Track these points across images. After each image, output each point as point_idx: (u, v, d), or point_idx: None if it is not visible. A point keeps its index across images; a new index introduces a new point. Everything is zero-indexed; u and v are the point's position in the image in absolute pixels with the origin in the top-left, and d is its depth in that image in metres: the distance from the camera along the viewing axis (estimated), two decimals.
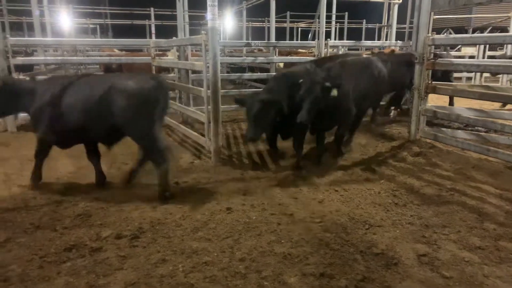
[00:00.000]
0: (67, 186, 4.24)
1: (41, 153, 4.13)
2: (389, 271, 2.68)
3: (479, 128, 6.02)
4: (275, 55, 9.50)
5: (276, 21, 11.51)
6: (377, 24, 18.75)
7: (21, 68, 7.16)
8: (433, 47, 5.59)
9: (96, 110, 3.74)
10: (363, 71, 5.23)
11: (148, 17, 18.80)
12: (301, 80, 4.28)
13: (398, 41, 10.34)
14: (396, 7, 10.57)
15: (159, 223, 3.36)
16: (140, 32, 19.80)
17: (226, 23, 18.09)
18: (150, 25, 18.80)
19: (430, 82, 5.49)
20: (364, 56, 7.22)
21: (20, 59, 6.99)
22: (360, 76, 5.07)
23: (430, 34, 5.49)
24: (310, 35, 18.68)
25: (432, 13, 5.77)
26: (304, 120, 4.09)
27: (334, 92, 4.17)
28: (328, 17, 13.84)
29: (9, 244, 3.01)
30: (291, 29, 20.82)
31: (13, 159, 5.07)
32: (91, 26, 20.10)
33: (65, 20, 15.72)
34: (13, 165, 4.87)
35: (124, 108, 3.70)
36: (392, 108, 7.98)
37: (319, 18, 8.22)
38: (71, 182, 4.37)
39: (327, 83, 4.16)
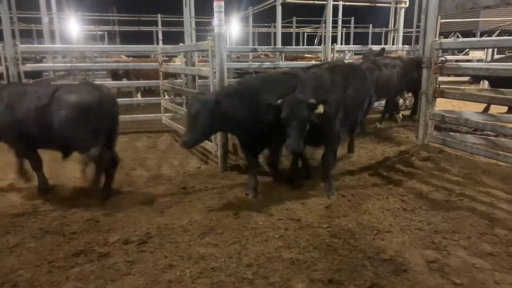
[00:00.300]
0: (74, 192, 4.27)
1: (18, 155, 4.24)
2: (398, 277, 2.65)
3: (489, 132, 5.95)
4: (281, 60, 9.51)
5: (282, 27, 11.55)
6: (384, 29, 18.72)
7: (30, 74, 7.27)
8: (440, 51, 5.56)
9: (40, 120, 3.73)
10: (352, 78, 4.55)
11: (155, 23, 18.98)
12: (280, 100, 3.66)
13: (405, 45, 10.30)
14: (402, 11, 10.55)
15: (166, 228, 3.37)
16: (147, 38, 20.02)
17: (232, 28, 18.19)
18: (157, 31, 18.98)
19: (437, 86, 5.45)
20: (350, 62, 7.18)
21: (30, 66, 7.08)
22: (349, 84, 4.40)
23: (437, 38, 5.46)
24: (316, 40, 18.67)
25: (439, 16, 5.73)
26: (296, 149, 3.54)
27: (320, 109, 3.62)
28: (334, 22, 13.82)
29: (19, 249, 3.04)
30: (297, 34, 20.86)
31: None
32: (99, 32, 20.36)
33: (74, 27, 15.95)
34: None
35: (64, 120, 3.65)
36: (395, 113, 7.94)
37: (325, 23, 8.21)
38: (79, 187, 4.40)
39: (312, 99, 3.58)
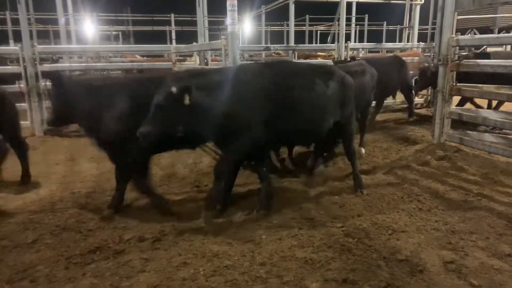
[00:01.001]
0: (90, 189, 4.34)
1: None
2: (414, 278, 2.61)
3: (507, 131, 5.82)
4: (294, 58, 9.48)
5: (295, 25, 11.51)
6: (398, 26, 18.45)
7: (48, 74, 7.40)
8: (457, 48, 5.46)
9: None
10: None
11: (168, 23, 19.13)
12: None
13: (420, 43, 10.14)
14: (418, 8, 10.40)
15: (180, 226, 3.39)
16: (160, 38, 20.16)
17: (245, 27, 18.21)
18: (170, 31, 19.11)
19: (454, 84, 5.35)
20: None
21: (47, 66, 7.23)
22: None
23: (454, 35, 5.36)
24: (329, 38, 18.58)
25: (456, 13, 5.62)
26: (141, 133, 3.08)
27: (186, 100, 3.14)
28: (348, 19, 13.72)
29: (37, 245, 3.10)
30: (310, 32, 20.75)
31: (41, 163, 5.23)
32: (113, 33, 20.62)
33: (89, 28, 16.20)
34: (41, 169, 5.02)
35: None
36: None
37: (338, 20, 8.15)
38: (94, 185, 4.48)
39: (173, 88, 3.10)
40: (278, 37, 21.25)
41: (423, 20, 12.85)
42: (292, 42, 10.69)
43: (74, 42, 13.18)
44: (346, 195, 4.06)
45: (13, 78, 6.85)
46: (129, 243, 3.11)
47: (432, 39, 10.53)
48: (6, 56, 9.28)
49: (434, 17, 12.20)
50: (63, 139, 6.68)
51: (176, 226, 3.38)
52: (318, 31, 22.06)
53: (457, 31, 6.75)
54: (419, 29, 10.80)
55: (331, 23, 19.13)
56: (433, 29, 11.88)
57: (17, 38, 13.19)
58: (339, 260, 2.82)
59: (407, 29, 12.02)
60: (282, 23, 19.60)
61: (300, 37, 19.00)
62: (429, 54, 10.01)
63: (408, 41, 11.45)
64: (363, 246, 3.01)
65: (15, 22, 13.52)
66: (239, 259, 2.84)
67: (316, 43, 21.36)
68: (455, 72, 5.34)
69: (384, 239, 3.12)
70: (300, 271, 2.69)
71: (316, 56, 11.86)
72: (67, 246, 3.08)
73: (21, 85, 6.72)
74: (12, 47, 10.58)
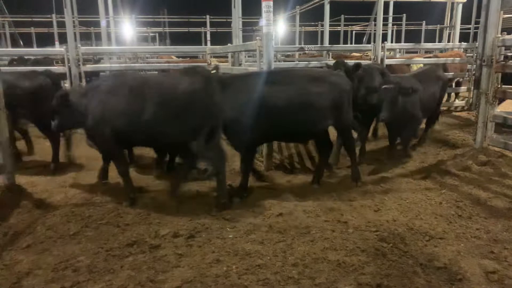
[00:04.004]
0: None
1: None
2: (453, 287, 2.52)
3: None
4: (329, 59, 9.36)
5: (330, 25, 11.37)
6: (438, 25, 17.77)
7: (89, 74, 7.74)
8: (503, 48, 5.19)
9: None
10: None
11: (203, 24, 19.44)
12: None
13: (462, 43, 9.72)
14: (460, 6, 9.97)
15: (213, 223, 3.45)
16: (195, 39, 20.54)
17: (279, 28, 18.19)
18: (205, 32, 19.42)
19: (499, 86, 5.09)
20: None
21: (90, 67, 7.55)
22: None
23: (499, 35, 5.10)
24: (365, 38, 18.19)
25: (502, 11, 5.34)
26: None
27: None
28: (385, 19, 13.37)
29: (79, 237, 3.26)
30: (345, 32, 20.40)
31: (82, 158, 5.48)
32: (151, 34, 21.23)
33: (128, 29, 16.76)
34: (82, 164, 5.27)
35: None
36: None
37: (375, 20, 7.97)
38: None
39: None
40: (312, 37, 21.05)
41: (464, 19, 12.30)
42: (326, 43, 10.58)
43: (113, 44, 13.69)
44: (381, 199, 3.96)
45: (59, 78, 7.21)
46: (165, 238, 3.20)
47: (475, 39, 10.06)
48: (53, 57, 9.78)
49: (477, 16, 11.67)
50: None
51: (209, 224, 3.44)
52: (354, 31, 21.66)
53: (502, 30, 6.43)
54: (460, 29, 10.36)
55: (367, 23, 18.73)
56: (476, 28, 11.35)
57: (62, 39, 13.92)
58: (373, 264, 2.76)
59: (447, 28, 11.56)
60: (316, 23, 19.41)
61: (335, 37, 18.73)
62: (471, 54, 9.57)
63: (449, 41, 11.00)
64: (398, 251, 2.94)
65: (60, 24, 14.26)
66: (271, 259, 2.85)
67: (351, 43, 20.99)
68: (500, 74, 5.08)
69: (420, 245, 3.03)
70: (333, 273, 2.67)
71: (347, 57, 11.62)
72: (106, 239, 3.21)
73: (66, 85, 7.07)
74: (58, 49, 11.15)
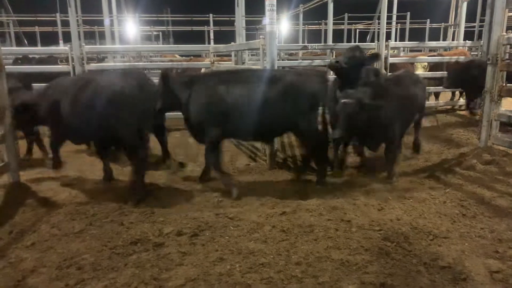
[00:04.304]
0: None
1: None
2: (457, 286, 2.51)
3: None
4: (332, 57, 9.34)
5: (333, 23, 11.33)
6: (443, 24, 17.67)
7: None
8: (508, 46, 5.15)
9: None
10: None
11: (206, 23, 19.44)
12: None
13: (467, 41, 9.67)
14: (464, 4, 9.91)
15: (217, 222, 3.45)
16: (199, 37, 20.55)
17: (282, 26, 18.16)
18: (208, 31, 19.42)
19: (504, 84, 5.06)
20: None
21: (94, 65, 7.58)
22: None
23: (505, 33, 5.07)
24: (368, 36, 18.12)
25: (507, 10, 5.31)
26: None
27: None
28: (389, 17, 13.32)
29: (83, 235, 3.28)
30: (349, 31, 20.34)
31: (85, 157, 5.50)
32: (154, 33, 21.26)
33: (131, 28, 16.81)
34: (85, 161, 5.29)
35: None
36: None
37: (379, 19, 7.94)
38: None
39: None
40: (315, 36, 20.97)
41: (470, 17, 12.23)
42: (330, 41, 10.54)
43: (117, 42, 13.74)
44: (385, 198, 3.95)
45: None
46: (168, 236, 3.21)
47: (480, 37, 10.01)
48: (57, 55, 9.83)
49: (482, 14, 11.59)
50: None
51: (213, 222, 3.45)
52: (357, 30, 21.58)
53: (507, 28, 6.39)
54: (465, 27, 10.29)
55: (371, 21, 18.66)
56: (481, 26, 11.28)
57: (66, 38, 13.96)
58: (377, 263, 2.76)
59: (452, 26, 11.50)
60: (320, 22, 19.36)
61: (338, 36, 18.67)
62: (476, 53, 9.52)
63: (453, 39, 10.94)
64: (402, 250, 2.93)
65: (64, 23, 14.30)
66: (274, 258, 2.85)
67: (355, 42, 20.89)
68: (505, 72, 5.05)
69: (424, 245, 3.02)
70: (336, 272, 2.67)
71: None
72: (110, 237, 3.23)
73: None
74: (62, 47, 11.19)
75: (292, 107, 4.12)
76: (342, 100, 3.92)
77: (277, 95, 4.12)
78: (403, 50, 13.46)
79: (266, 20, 4.85)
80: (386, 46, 7.61)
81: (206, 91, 4.20)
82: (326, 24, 13.04)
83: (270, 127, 4.29)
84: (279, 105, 4.12)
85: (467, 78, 7.15)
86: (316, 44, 8.28)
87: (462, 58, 8.12)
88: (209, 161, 4.38)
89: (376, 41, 7.84)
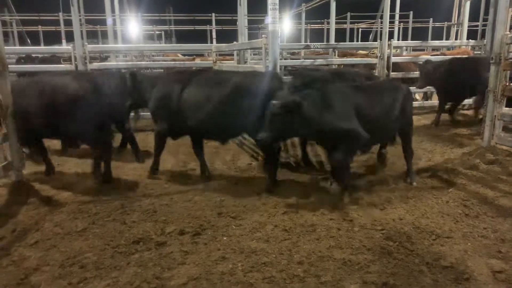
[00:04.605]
0: (134, 183, 4.52)
1: None
2: (460, 286, 2.50)
3: None
4: (335, 56, 9.33)
5: (336, 23, 11.31)
6: (446, 23, 17.61)
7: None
8: (511, 45, 5.13)
9: None
10: None
11: (209, 22, 19.45)
12: None
13: (470, 40, 9.63)
14: (468, 3, 9.87)
15: (219, 221, 3.46)
16: (201, 37, 20.56)
17: (285, 26, 18.14)
18: (211, 30, 19.43)
19: (508, 83, 5.04)
20: None
21: (96, 64, 7.60)
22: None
23: (508, 32, 5.05)
24: (371, 35, 18.08)
25: (511, 9, 5.29)
26: None
27: None
28: (391, 16, 13.27)
29: (86, 233, 3.29)
30: (351, 30, 20.30)
31: (88, 156, 5.50)
32: (157, 32, 21.27)
33: (134, 28, 16.83)
34: (88, 162, 5.29)
35: None
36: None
37: (381, 18, 7.92)
38: (137, 179, 4.66)
39: None
40: (318, 35, 20.96)
41: (473, 16, 12.17)
42: (332, 40, 10.53)
43: (120, 42, 13.75)
44: (387, 198, 3.95)
45: None
46: (170, 235, 3.22)
47: (483, 36, 9.96)
48: (59, 55, 9.86)
49: (486, 13, 11.53)
50: None
51: (215, 221, 3.45)
52: (360, 29, 21.55)
53: (511, 27, 6.37)
54: (468, 26, 10.25)
55: (373, 21, 18.62)
56: (484, 25, 11.23)
57: (69, 38, 14.00)
58: (379, 263, 2.76)
59: (455, 25, 11.46)
60: (322, 21, 19.32)
61: (341, 35, 18.64)
62: (479, 52, 9.48)
63: (456, 39, 10.90)
64: (404, 250, 2.93)
65: (67, 23, 14.34)
66: (276, 257, 2.85)
67: (357, 41, 20.87)
68: (508, 72, 5.03)
69: (427, 244, 3.01)
70: (338, 272, 2.66)
71: (352, 55, 11.56)
72: (113, 236, 3.23)
73: None
74: (65, 47, 11.24)
75: (243, 109, 4.14)
76: (272, 101, 3.65)
77: (227, 97, 4.21)
78: (406, 50, 13.41)
79: (268, 19, 4.85)
80: (389, 45, 7.60)
81: (159, 89, 4.59)
82: (328, 23, 13.01)
83: (221, 127, 4.41)
84: (230, 106, 4.20)
85: (438, 78, 7.08)
86: (318, 43, 8.28)
87: (434, 58, 8.06)
88: (154, 150, 4.80)
89: (378, 40, 7.81)
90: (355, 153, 4.07)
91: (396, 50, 9.83)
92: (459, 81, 6.89)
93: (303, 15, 15.49)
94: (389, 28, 8.58)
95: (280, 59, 9.16)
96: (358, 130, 3.76)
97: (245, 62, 7.93)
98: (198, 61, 10.40)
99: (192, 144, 4.89)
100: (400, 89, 4.28)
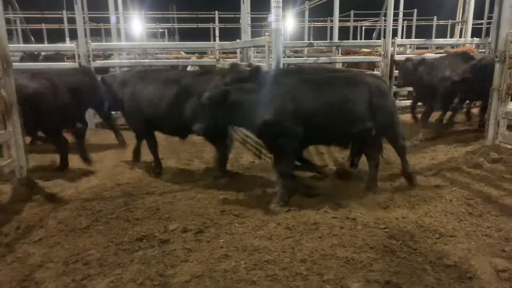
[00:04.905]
0: (137, 181, 4.54)
1: None
2: (463, 285, 2.50)
3: None
4: (338, 55, 9.31)
5: (339, 21, 11.26)
6: (450, 21, 17.50)
7: (99, 70, 7.82)
8: None
9: None
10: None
11: (212, 20, 19.42)
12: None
13: (474, 38, 9.57)
14: (472, 1, 9.81)
15: (222, 219, 3.47)
16: (204, 34, 20.53)
17: (288, 23, 18.09)
18: (214, 28, 19.39)
19: None
20: None
21: (100, 62, 7.63)
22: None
23: None
24: (374, 33, 18.02)
25: None
26: None
27: None
28: (395, 14, 13.22)
29: (89, 231, 3.31)
30: (355, 28, 20.22)
31: (91, 154, 5.53)
32: (160, 30, 21.27)
33: (137, 25, 16.84)
34: (92, 159, 5.32)
35: None
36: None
37: (385, 16, 7.89)
38: (141, 177, 4.68)
39: None
40: (321, 33, 20.88)
41: (477, 14, 12.10)
42: (336, 38, 10.48)
43: (123, 40, 13.76)
44: (390, 196, 3.94)
45: None
46: (173, 233, 3.23)
47: (488, 34, 9.90)
48: (63, 53, 9.89)
49: (490, 11, 11.47)
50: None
51: (218, 219, 3.46)
52: (363, 27, 21.45)
53: None
54: (473, 24, 10.18)
55: (377, 19, 18.54)
56: (489, 23, 11.16)
57: (73, 36, 14.04)
58: (382, 261, 2.75)
59: (459, 23, 11.39)
60: (326, 19, 19.25)
61: (344, 33, 18.56)
62: (484, 50, 9.43)
63: (460, 37, 10.84)
64: (407, 249, 2.92)
65: (71, 21, 14.37)
66: (279, 255, 2.86)
67: (361, 39, 20.78)
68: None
69: (430, 243, 3.01)
70: (341, 270, 2.66)
71: (356, 53, 11.50)
72: (116, 233, 3.25)
73: None
74: (68, 45, 11.26)
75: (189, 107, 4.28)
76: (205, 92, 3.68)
77: (175, 95, 4.41)
78: (410, 48, 13.35)
79: (271, 17, 4.84)
80: (393, 43, 7.57)
81: (129, 88, 4.80)
82: (332, 21, 12.95)
83: (175, 125, 4.57)
84: (177, 104, 4.38)
85: (415, 78, 6.83)
86: (321, 41, 8.26)
87: (413, 56, 7.90)
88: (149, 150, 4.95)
89: (382, 38, 7.78)
90: (294, 153, 3.87)
91: (400, 48, 9.78)
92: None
93: (307, 13, 15.46)
94: (393, 26, 8.56)
95: (283, 57, 9.15)
96: (286, 124, 3.56)
97: (248, 60, 7.92)
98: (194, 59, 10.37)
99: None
100: (365, 84, 3.77)
